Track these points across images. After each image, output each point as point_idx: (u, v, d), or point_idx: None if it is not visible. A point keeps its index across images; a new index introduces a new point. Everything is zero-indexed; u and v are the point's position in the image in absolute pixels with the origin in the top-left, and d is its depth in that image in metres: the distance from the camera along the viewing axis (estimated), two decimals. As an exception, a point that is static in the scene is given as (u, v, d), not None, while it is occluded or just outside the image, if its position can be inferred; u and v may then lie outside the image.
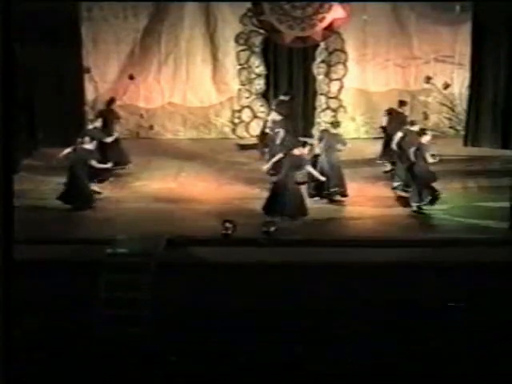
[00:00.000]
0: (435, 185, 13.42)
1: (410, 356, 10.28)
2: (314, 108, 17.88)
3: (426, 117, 17.77)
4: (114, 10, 17.54)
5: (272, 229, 12.18)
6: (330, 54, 17.80)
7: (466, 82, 17.40)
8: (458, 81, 17.78)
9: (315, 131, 16.95)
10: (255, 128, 18.14)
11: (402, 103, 16.00)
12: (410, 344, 10.50)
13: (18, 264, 6.69)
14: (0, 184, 6.42)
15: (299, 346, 10.31)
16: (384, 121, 15.77)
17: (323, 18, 16.64)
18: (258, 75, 17.98)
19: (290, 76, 17.84)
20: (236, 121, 18.20)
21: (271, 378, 10.04)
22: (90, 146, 13.79)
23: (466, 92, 17.48)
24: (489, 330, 10.68)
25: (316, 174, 13.45)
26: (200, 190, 14.75)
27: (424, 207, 13.28)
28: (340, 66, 17.86)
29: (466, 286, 11.09)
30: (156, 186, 14.94)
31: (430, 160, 13.21)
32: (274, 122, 15.32)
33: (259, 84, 18.04)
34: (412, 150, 13.51)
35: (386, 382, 10.06)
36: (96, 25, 17.57)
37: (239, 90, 18.04)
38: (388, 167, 15.37)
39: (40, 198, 14.03)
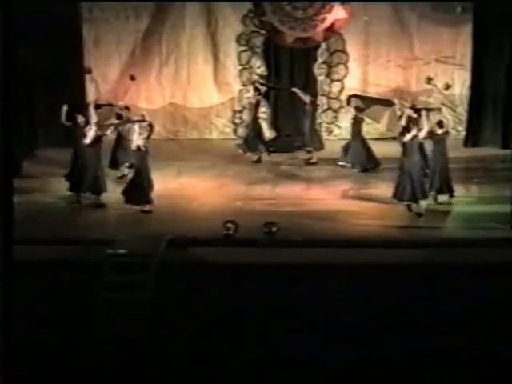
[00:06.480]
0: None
1: (409, 356, 10.30)
2: (315, 109, 17.90)
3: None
4: (115, 10, 17.59)
5: (273, 229, 12.18)
6: (331, 54, 17.81)
7: (467, 83, 17.43)
8: (459, 81, 17.77)
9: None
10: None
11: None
12: (409, 344, 10.51)
13: (17, 264, 6.69)
14: (0, 184, 6.42)
15: None
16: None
17: (324, 19, 16.66)
18: (260, 76, 17.99)
19: (291, 77, 17.83)
20: (237, 121, 18.19)
21: (271, 377, 10.06)
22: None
23: (466, 93, 17.50)
24: (489, 331, 10.68)
25: None
26: (201, 190, 14.78)
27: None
28: (341, 67, 17.87)
29: (466, 287, 11.08)
30: (156, 187, 14.94)
31: None
32: None
33: (260, 85, 18.06)
34: None
35: (387, 382, 10.08)
36: (97, 25, 17.63)
37: (240, 90, 18.05)
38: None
39: (40, 198, 14.06)
